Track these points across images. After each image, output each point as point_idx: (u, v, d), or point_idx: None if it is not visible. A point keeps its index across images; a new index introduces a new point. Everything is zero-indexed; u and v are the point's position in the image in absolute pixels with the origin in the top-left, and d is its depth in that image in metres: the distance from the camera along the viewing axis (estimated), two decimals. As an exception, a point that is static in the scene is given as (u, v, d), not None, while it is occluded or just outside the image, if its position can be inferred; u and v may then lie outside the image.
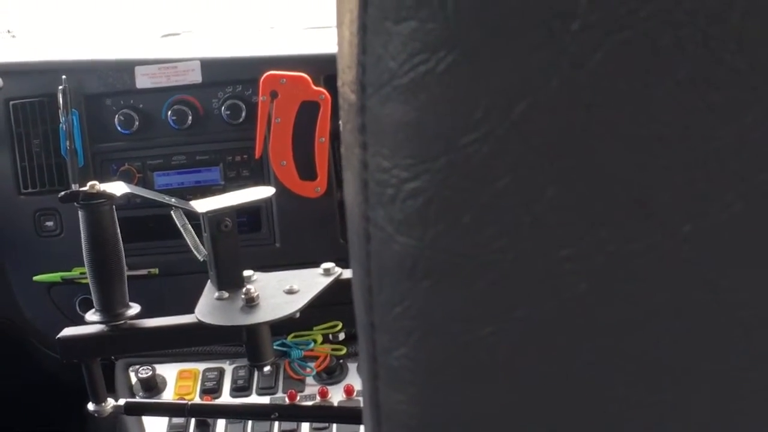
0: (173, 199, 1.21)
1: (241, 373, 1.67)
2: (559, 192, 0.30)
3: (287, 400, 1.58)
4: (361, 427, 1.51)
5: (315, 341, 1.50)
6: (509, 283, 0.31)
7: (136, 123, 1.65)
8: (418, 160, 0.31)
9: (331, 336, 1.35)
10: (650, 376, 0.32)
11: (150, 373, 1.64)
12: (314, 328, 1.42)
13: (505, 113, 0.30)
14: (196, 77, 1.65)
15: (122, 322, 1.15)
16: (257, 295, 1.08)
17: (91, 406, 1.19)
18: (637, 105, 0.29)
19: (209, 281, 1.15)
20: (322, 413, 1.47)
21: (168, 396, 1.65)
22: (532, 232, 0.31)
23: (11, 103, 1.67)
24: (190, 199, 1.17)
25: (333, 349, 1.59)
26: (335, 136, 1.62)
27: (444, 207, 0.31)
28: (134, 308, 1.16)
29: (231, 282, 1.12)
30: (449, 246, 0.32)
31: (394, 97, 0.31)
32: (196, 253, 1.17)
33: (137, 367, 1.68)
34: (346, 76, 0.34)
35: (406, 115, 0.31)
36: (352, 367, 1.66)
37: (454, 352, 0.33)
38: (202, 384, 1.66)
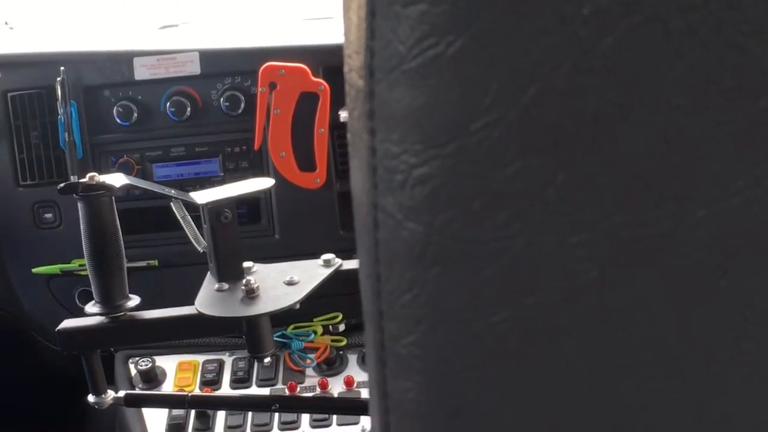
0: (173, 191, 1.20)
1: (241, 364, 1.67)
2: (571, 177, 0.30)
3: (287, 392, 1.58)
4: (362, 418, 1.51)
5: (315, 332, 1.51)
6: (520, 269, 0.31)
7: (135, 114, 1.65)
8: (428, 146, 0.31)
9: (331, 327, 1.35)
10: (663, 362, 0.32)
11: (149, 365, 1.64)
12: (314, 320, 1.43)
13: (516, 98, 0.29)
14: (194, 68, 1.64)
15: (122, 313, 1.15)
16: (257, 287, 1.07)
17: (91, 398, 1.19)
18: (648, 89, 0.29)
19: (209, 273, 1.15)
20: (323, 404, 1.47)
21: (167, 388, 1.65)
22: (542, 219, 0.30)
23: (9, 95, 1.66)
24: (190, 191, 1.17)
25: (333, 340, 1.60)
26: (334, 127, 1.61)
27: (454, 193, 0.31)
28: (134, 300, 1.16)
29: (231, 273, 1.12)
30: (459, 232, 0.31)
31: (403, 81, 0.31)
32: (195, 244, 1.17)
33: (137, 359, 1.68)
34: (354, 61, 0.33)
35: (415, 100, 0.31)
36: (352, 358, 1.66)
37: (464, 339, 0.33)
38: (202, 376, 1.66)
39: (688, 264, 0.30)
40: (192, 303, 1.09)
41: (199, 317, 1.07)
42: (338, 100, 1.60)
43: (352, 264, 1.15)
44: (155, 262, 1.68)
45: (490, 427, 0.34)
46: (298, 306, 1.06)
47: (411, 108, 0.31)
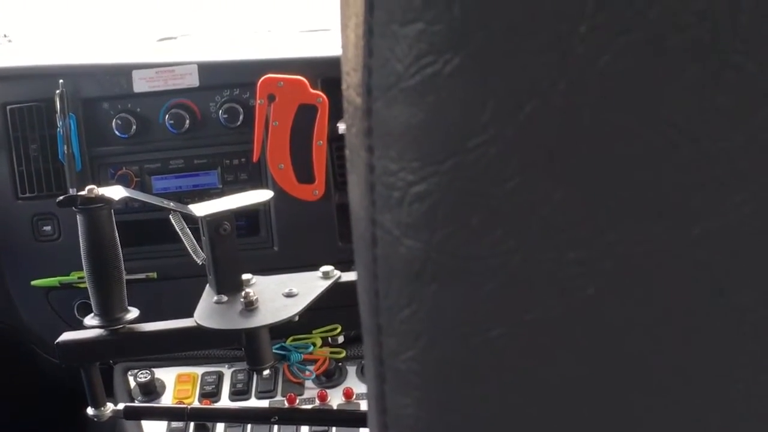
0: (171, 203, 1.20)
1: (240, 376, 1.67)
2: (568, 194, 0.30)
3: (286, 404, 1.58)
4: (361, 430, 1.51)
5: (314, 344, 1.50)
6: (517, 286, 0.31)
7: (134, 127, 1.65)
8: (426, 163, 0.31)
9: (330, 339, 1.34)
10: (659, 378, 0.32)
11: (148, 377, 1.64)
12: (313, 332, 1.42)
13: (513, 115, 0.29)
14: (193, 81, 1.65)
15: (121, 326, 1.15)
16: (256, 299, 1.07)
17: (90, 411, 1.19)
18: (645, 107, 0.29)
19: (208, 285, 1.15)
20: (322, 416, 1.47)
21: (167, 400, 1.65)
22: (540, 235, 0.31)
23: (8, 107, 1.66)
24: (188, 203, 1.17)
25: (332, 352, 1.59)
26: (333, 139, 1.62)
27: (451, 210, 0.31)
28: (133, 312, 1.16)
29: (230, 285, 1.12)
30: (457, 249, 0.31)
31: (401, 99, 0.31)
32: (194, 256, 1.17)
33: (136, 371, 1.67)
34: (351, 79, 0.33)
35: (413, 118, 0.31)
36: (351, 370, 1.66)
37: (462, 355, 0.33)
38: (201, 388, 1.66)
39: (685, 280, 0.31)
40: (191, 315, 1.09)
41: (198, 329, 1.07)
42: (337, 112, 1.60)
43: (351, 276, 1.15)
44: (154, 275, 1.68)
45: (488, 442, 0.34)
46: (297, 318, 1.06)
47: (409, 125, 0.31)
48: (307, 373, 1.60)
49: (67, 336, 1.15)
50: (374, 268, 0.34)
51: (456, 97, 0.30)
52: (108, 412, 1.19)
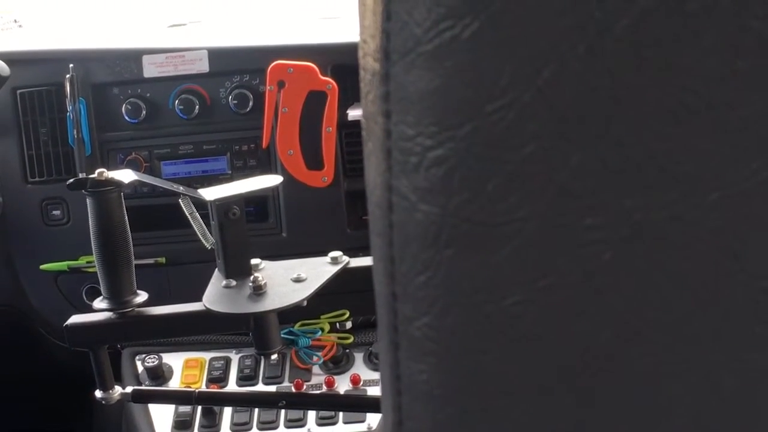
0: (181, 187, 1.21)
1: (248, 362, 1.67)
2: (585, 160, 0.30)
3: (293, 390, 1.59)
4: (367, 415, 1.51)
5: (322, 330, 1.51)
6: (533, 252, 0.31)
7: (143, 112, 1.65)
8: (443, 128, 0.31)
9: (338, 325, 1.35)
10: (675, 345, 0.32)
11: (156, 361, 1.65)
12: (321, 317, 1.43)
13: (531, 80, 0.29)
14: (203, 66, 1.65)
15: (130, 309, 1.15)
16: (265, 283, 1.08)
17: (98, 394, 1.19)
18: (663, 71, 0.29)
19: (217, 269, 1.15)
20: (329, 401, 1.47)
21: (174, 385, 1.66)
22: (556, 201, 0.31)
23: (18, 91, 1.67)
24: (197, 189, 1.17)
25: (339, 338, 1.60)
26: (342, 126, 1.62)
27: (468, 175, 0.31)
28: (142, 296, 1.16)
29: (239, 270, 1.12)
30: (473, 214, 0.31)
31: (419, 64, 0.31)
32: (203, 241, 1.17)
33: (143, 356, 1.68)
34: (369, 46, 0.33)
35: (431, 83, 0.31)
36: (359, 356, 1.66)
37: (477, 321, 0.33)
38: (209, 373, 1.67)
39: (702, 246, 0.31)
40: (200, 300, 1.09)
41: (207, 313, 1.08)
42: (346, 98, 1.60)
43: (359, 261, 1.15)
44: (163, 260, 1.69)
45: (503, 409, 0.34)
46: (305, 303, 1.07)
47: (426, 90, 0.31)
48: (315, 358, 1.60)
49: (75, 319, 1.16)
50: (390, 234, 0.34)
51: (474, 61, 0.30)
52: (116, 395, 1.20)
